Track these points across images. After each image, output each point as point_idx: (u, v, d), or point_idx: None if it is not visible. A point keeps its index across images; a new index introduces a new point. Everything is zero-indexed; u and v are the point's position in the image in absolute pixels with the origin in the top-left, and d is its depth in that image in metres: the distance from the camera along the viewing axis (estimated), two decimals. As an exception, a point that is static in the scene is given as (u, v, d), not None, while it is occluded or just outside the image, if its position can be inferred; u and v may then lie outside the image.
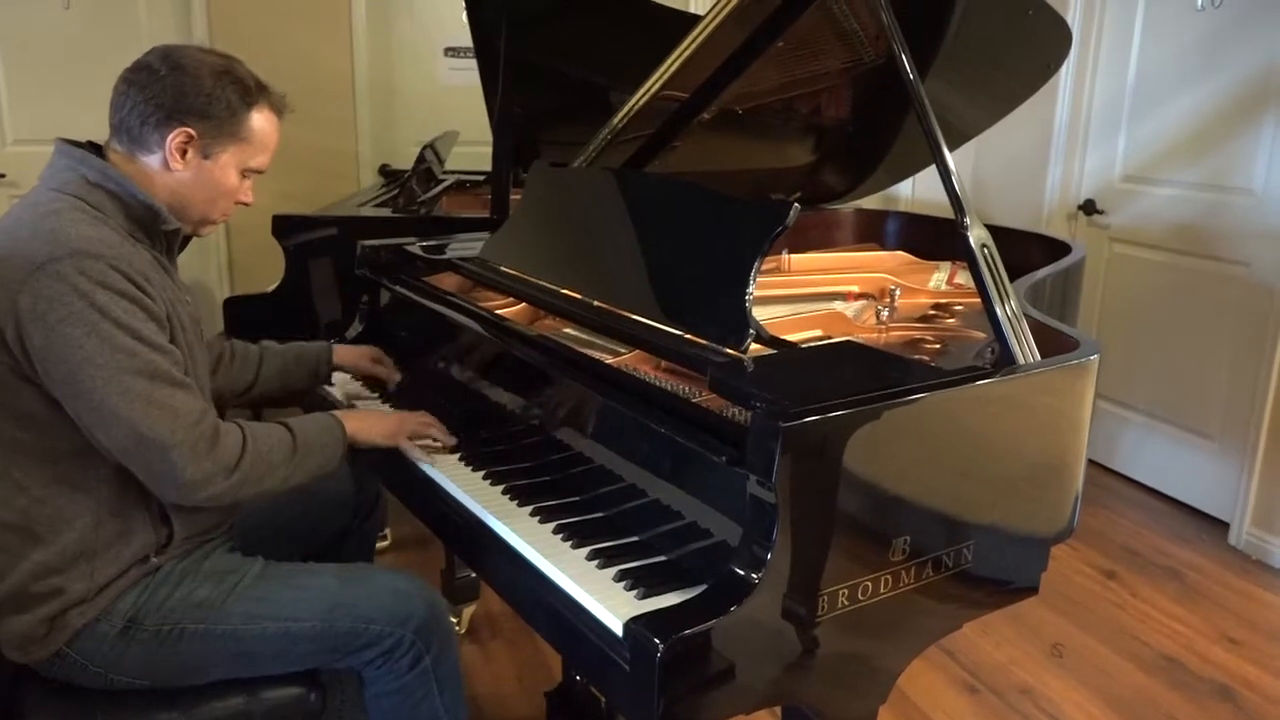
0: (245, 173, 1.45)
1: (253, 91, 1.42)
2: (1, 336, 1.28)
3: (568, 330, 1.72)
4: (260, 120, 1.43)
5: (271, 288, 2.72)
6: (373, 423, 1.58)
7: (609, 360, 1.51)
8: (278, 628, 1.41)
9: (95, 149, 1.41)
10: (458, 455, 1.61)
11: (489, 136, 2.58)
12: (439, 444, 1.61)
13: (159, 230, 1.40)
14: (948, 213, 1.47)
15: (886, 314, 1.88)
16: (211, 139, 1.39)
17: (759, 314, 1.42)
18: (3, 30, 3.52)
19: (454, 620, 2.39)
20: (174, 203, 1.41)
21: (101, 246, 1.28)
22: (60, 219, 1.29)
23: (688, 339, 1.43)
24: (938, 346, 1.77)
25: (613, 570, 1.25)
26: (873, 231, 2.77)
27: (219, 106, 1.38)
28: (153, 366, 1.28)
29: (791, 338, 1.55)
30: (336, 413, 1.57)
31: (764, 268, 1.48)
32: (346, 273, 2.22)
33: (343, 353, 1.88)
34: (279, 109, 1.46)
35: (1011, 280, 1.46)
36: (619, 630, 1.12)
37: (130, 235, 1.36)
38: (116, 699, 1.40)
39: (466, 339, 1.75)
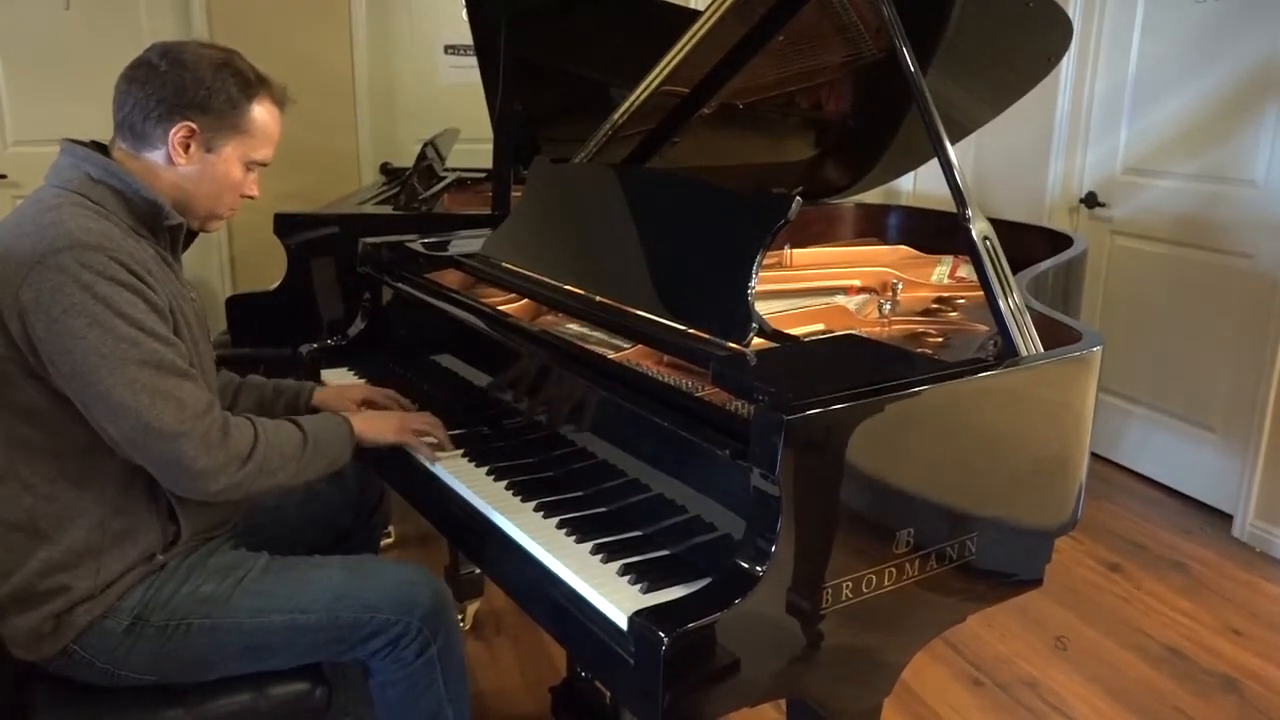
0: (249, 165, 1.45)
1: (253, 84, 1.42)
2: (6, 331, 1.28)
3: (570, 326, 1.72)
4: (261, 112, 1.43)
5: (274, 286, 2.72)
6: (378, 422, 1.59)
7: (611, 355, 1.51)
8: (284, 620, 1.41)
9: (100, 148, 1.41)
10: (461, 451, 1.61)
11: (489, 133, 2.59)
12: (441, 444, 1.62)
13: (162, 226, 1.40)
14: (949, 206, 1.46)
15: (889, 308, 1.88)
16: (213, 132, 1.39)
17: (761, 309, 1.42)
18: (3, 31, 3.52)
19: (459, 616, 2.40)
20: (179, 198, 1.41)
21: (102, 239, 1.29)
22: (61, 214, 1.30)
23: (690, 333, 1.43)
24: (940, 340, 1.77)
25: (617, 564, 1.25)
26: (874, 226, 2.77)
27: (219, 100, 1.38)
28: (157, 357, 1.29)
29: (794, 332, 1.55)
30: (343, 412, 1.57)
31: (766, 262, 1.48)
32: (348, 270, 2.22)
33: (325, 396, 1.75)
34: (280, 101, 1.47)
35: (1014, 273, 1.46)
36: (623, 624, 1.13)
37: (133, 231, 1.36)
38: (123, 696, 1.41)
39: (469, 335, 1.75)
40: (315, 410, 1.74)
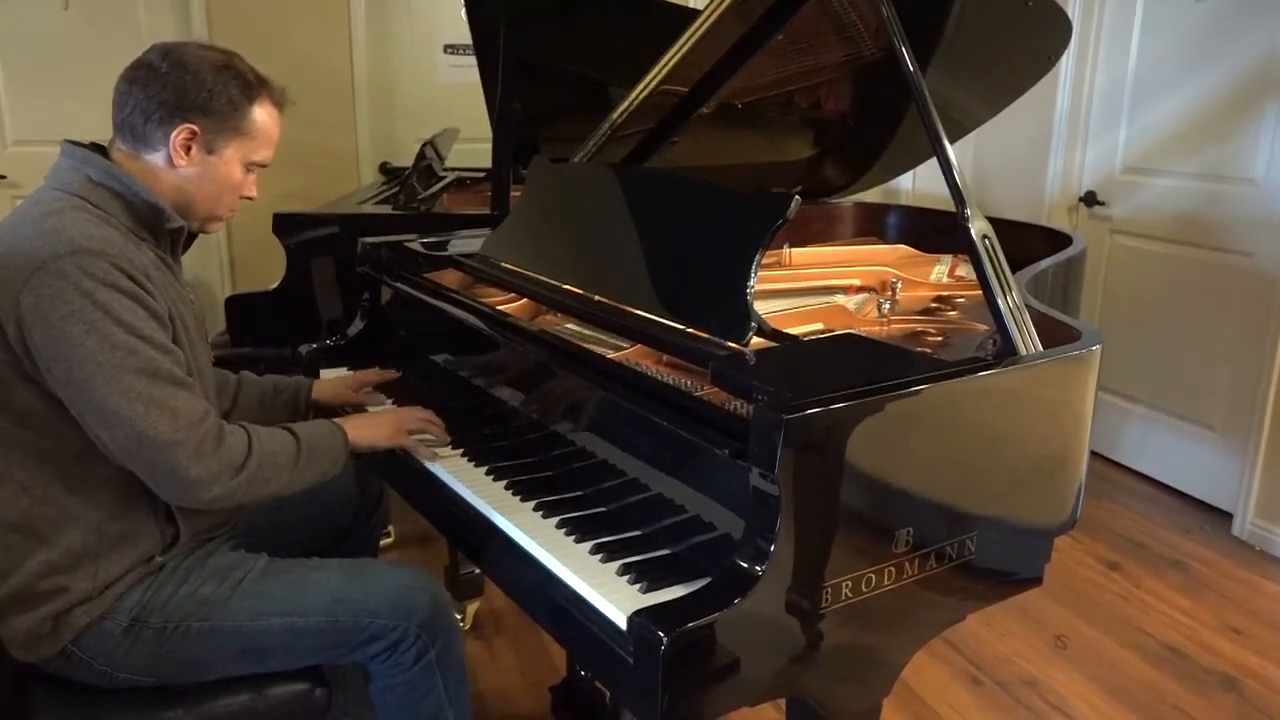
0: (249, 166, 1.45)
1: (254, 85, 1.42)
2: (3, 335, 1.28)
3: (569, 325, 1.72)
4: (262, 114, 1.43)
5: (273, 286, 2.72)
6: (372, 427, 1.58)
7: (610, 355, 1.51)
8: (283, 623, 1.41)
9: (100, 149, 1.41)
10: (460, 451, 1.61)
11: (489, 133, 2.58)
12: (438, 440, 1.62)
13: (163, 229, 1.40)
14: (949, 205, 1.46)
15: (888, 307, 1.88)
16: (214, 134, 1.39)
17: (760, 308, 1.42)
18: (2, 31, 3.52)
19: (458, 616, 2.40)
20: (180, 200, 1.41)
21: (103, 244, 1.28)
22: (62, 218, 1.29)
23: (689, 333, 1.43)
24: (939, 339, 1.77)
25: (616, 564, 1.25)
26: (874, 225, 2.77)
27: (221, 102, 1.38)
28: (154, 365, 1.28)
29: (793, 331, 1.55)
30: (337, 419, 1.56)
31: (765, 262, 1.48)
32: (348, 270, 2.22)
33: (322, 388, 1.79)
34: (280, 102, 1.47)
35: (1013, 272, 1.46)
36: (623, 624, 1.13)
37: (134, 234, 1.36)
38: (122, 697, 1.41)
39: (468, 335, 1.75)
40: (316, 404, 1.76)
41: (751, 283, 1.39)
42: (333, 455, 1.49)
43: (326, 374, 2.00)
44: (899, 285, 1.99)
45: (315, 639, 1.43)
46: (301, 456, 1.43)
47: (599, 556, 1.27)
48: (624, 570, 1.23)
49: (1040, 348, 1.41)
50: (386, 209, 2.92)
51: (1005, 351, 1.39)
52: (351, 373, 1.93)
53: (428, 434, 1.61)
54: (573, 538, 1.33)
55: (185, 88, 1.36)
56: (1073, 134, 3.69)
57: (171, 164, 1.39)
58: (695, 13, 1.96)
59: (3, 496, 1.34)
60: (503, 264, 1.87)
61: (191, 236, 1.51)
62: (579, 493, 1.44)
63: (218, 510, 1.46)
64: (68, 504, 1.34)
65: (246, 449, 1.36)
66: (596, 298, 1.62)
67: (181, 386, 1.31)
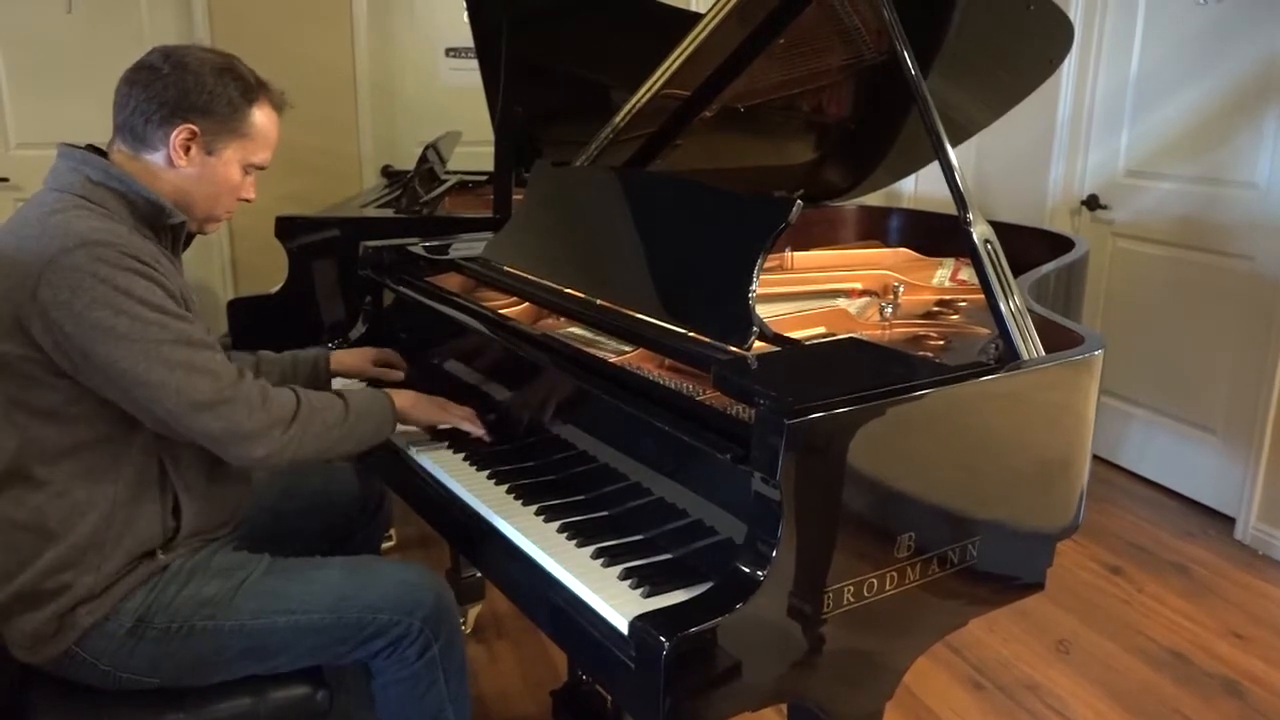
0: (247, 168, 1.47)
1: (254, 88, 1.44)
2: (25, 334, 1.29)
3: (571, 329, 1.72)
4: (261, 116, 1.45)
5: (275, 289, 2.72)
6: (420, 402, 1.61)
7: (612, 359, 1.51)
8: (286, 621, 1.42)
9: (97, 151, 1.42)
10: (462, 455, 1.61)
11: (491, 136, 2.58)
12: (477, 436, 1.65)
13: (164, 225, 1.41)
14: (950, 209, 1.46)
15: (890, 311, 1.88)
16: (214, 135, 1.40)
17: (762, 312, 1.42)
18: (5, 33, 3.53)
19: (460, 619, 2.39)
20: (179, 200, 1.43)
21: (110, 236, 1.30)
22: (66, 215, 1.31)
23: (691, 337, 1.43)
24: (941, 343, 1.77)
25: (618, 568, 1.25)
26: (876, 228, 2.76)
27: (221, 103, 1.39)
28: (186, 334, 1.32)
29: (795, 335, 1.55)
30: (385, 389, 1.59)
31: (767, 265, 1.48)
32: (350, 274, 2.22)
33: (341, 359, 1.83)
34: (279, 105, 1.49)
35: (1015, 276, 1.46)
36: (624, 628, 1.13)
37: (135, 230, 1.37)
38: (124, 698, 1.41)
39: (470, 339, 1.75)
40: (335, 375, 1.81)
41: (753, 287, 1.39)
42: (379, 417, 1.52)
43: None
44: (901, 289, 1.99)
45: (319, 637, 1.43)
46: (350, 417, 1.47)
47: (600, 561, 1.27)
48: (626, 575, 1.23)
49: (1042, 352, 1.41)
50: (389, 212, 2.92)
51: (1007, 356, 1.39)
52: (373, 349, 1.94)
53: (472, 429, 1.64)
54: (574, 542, 1.33)
55: (186, 89, 1.37)
56: (1075, 137, 3.69)
57: (171, 164, 1.40)
58: (697, 16, 1.97)
59: (13, 495, 1.35)
60: (505, 268, 1.87)
61: (190, 237, 1.52)
62: (581, 497, 1.44)
63: (222, 505, 1.48)
64: (87, 495, 1.35)
65: (295, 405, 1.40)
66: (598, 301, 1.62)
67: (215, 350, 1.36)
